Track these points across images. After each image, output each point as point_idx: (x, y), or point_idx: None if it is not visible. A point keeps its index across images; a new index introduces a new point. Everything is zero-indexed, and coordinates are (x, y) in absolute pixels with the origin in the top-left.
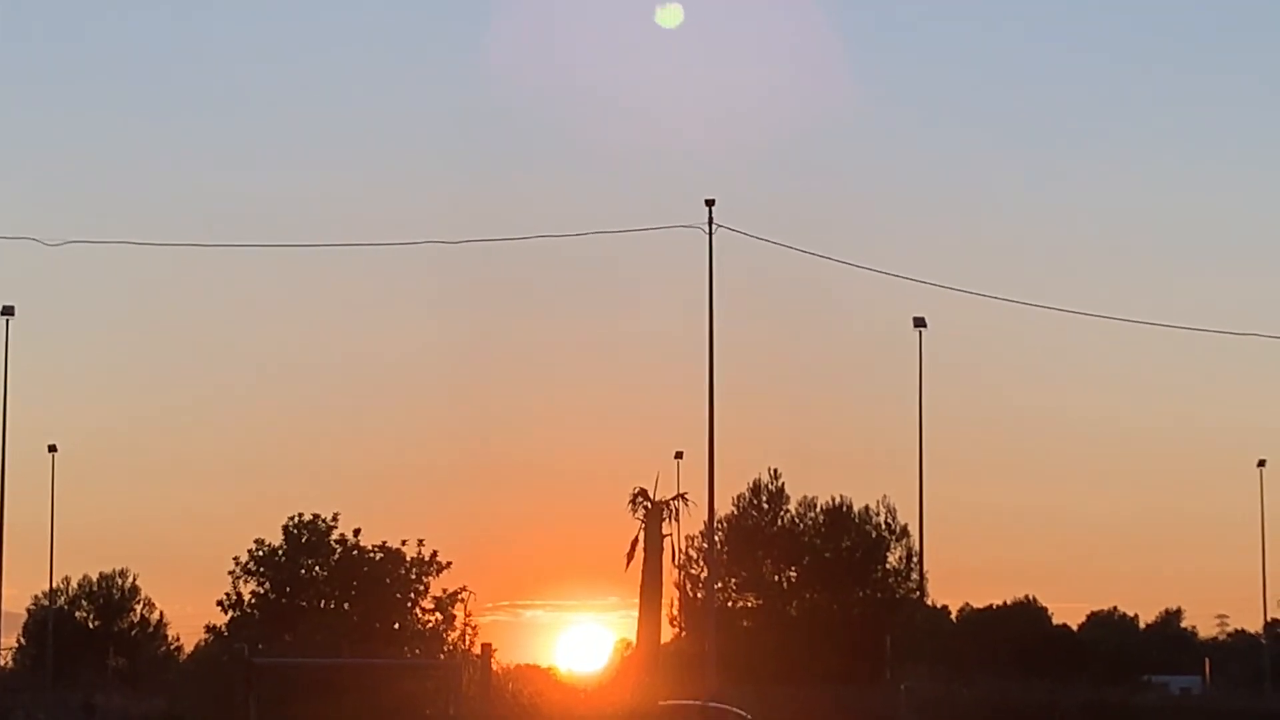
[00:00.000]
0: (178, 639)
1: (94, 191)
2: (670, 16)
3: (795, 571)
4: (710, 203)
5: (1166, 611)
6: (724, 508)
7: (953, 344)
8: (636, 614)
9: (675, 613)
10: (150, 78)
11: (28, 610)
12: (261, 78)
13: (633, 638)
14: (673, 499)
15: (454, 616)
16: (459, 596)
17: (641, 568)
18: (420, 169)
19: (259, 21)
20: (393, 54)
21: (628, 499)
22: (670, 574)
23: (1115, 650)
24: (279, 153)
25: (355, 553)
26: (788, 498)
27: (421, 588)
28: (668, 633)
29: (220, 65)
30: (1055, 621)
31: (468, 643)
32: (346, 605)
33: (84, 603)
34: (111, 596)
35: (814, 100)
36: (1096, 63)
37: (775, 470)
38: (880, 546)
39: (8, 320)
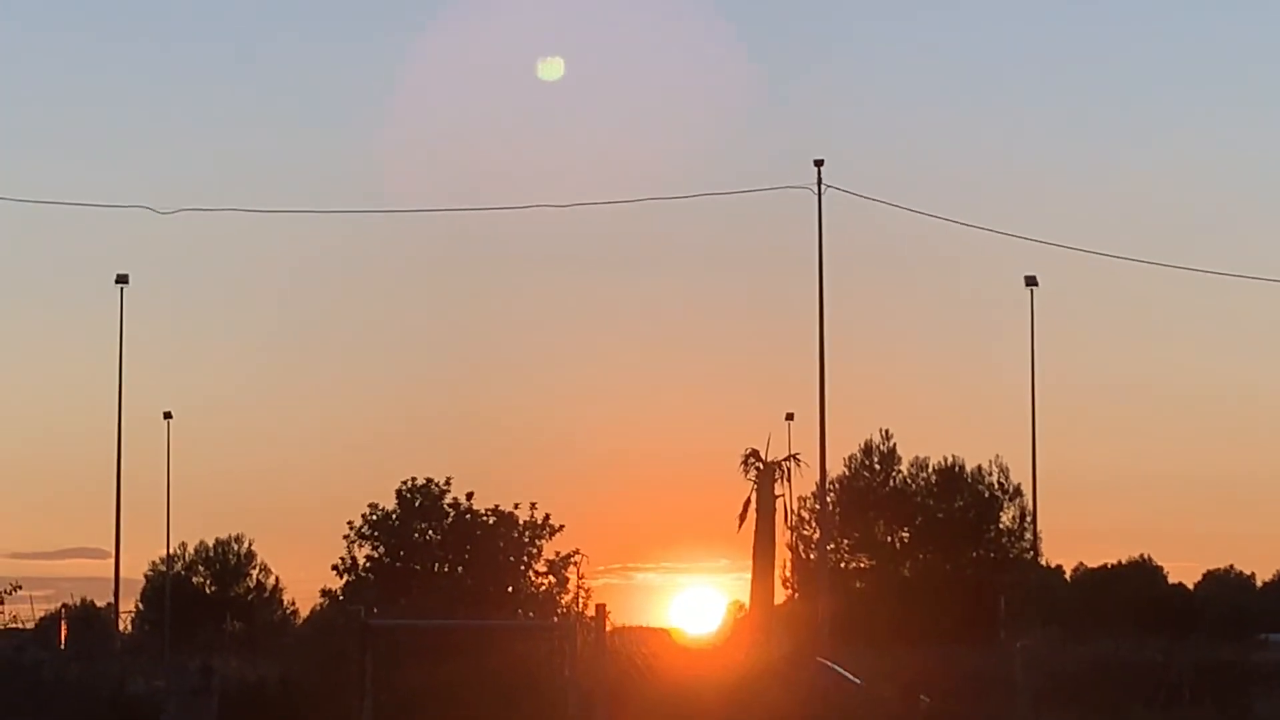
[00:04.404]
0: (293, 603)
1: (206, 159)
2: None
3: (908, 532)
4: (819, 163)
5: None
6: (835, 469)
7: (1065, 303)
8: (749, 576)
9: (788, 574)
10: (262, 44)
11: (145, 576)
12: (357, 44)
13: (745, 600)
14: (784, 460)
15: (567, 579)
16: (572, 559)
17: (754, 529)
18: (518, 132)
19: None
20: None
21: (739, 461)
22: (783, 535)
23: (1231, 609)
24: (384, 117)
25: (468, 516)
26: (899, 458)
27: (534, 551)
28: (780, 594)
29: (324, 31)
30: (1170, 580)
31: (581, 605)
32: (460, 569)
33: (200, 568)
34: (227, 562)
35: (926, 58)
36: (1211, 14)
37: (887, 431)
38: (993, 506)
39: (122, 288)
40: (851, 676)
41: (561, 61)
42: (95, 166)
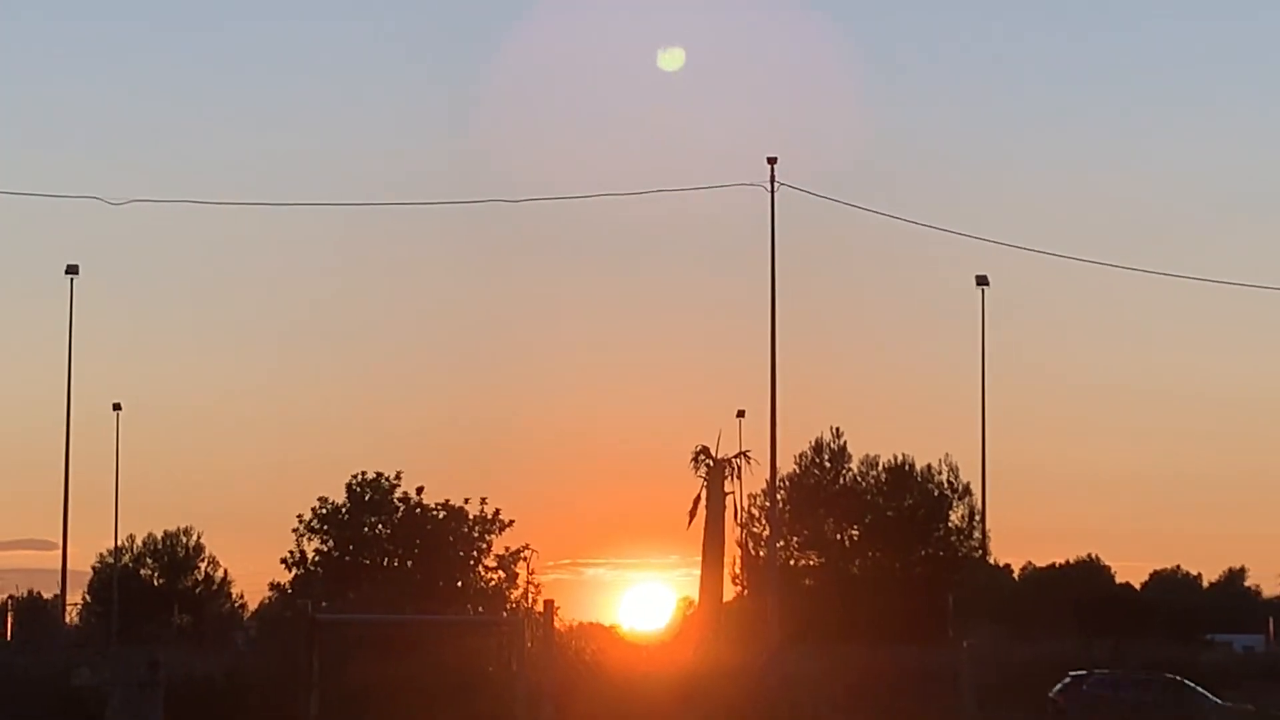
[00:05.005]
0: (242, 597)
1: (156, 151)
2: (672, 60)
3: (857, 530)
4: (772, 161)
5: (1230, 570)
6: (786, 466)
7: (1015, 302)
8: (698, 572)
9: (737, 571)
10: (211, 35)
11: (93, 568)
12: (320, 34)
13: (695, 596)
14: (735, 457)
15: (516, 574)
16: (521, 554)
17: (703, 526)
18: (478, 128)
19: None
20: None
21: (689, 457)
22: (732, 532)
23: (1178, 609)
24: (341, 111)
25: (418, 511)
26: (849, 456)
27: (484, 546)
28: (730, 591)
29: (277, 24)
30: (1118, 580)
31: (530, 600)
32: (410, 563)
33: (149, 560)
34: (176, 554)
35: (875, 58)
36: (1161, 17)
37: (837, 429)
38: (942, 505)
39: (72, 279)
40: (1212, 696)
41: (682, 52)
42: (45, 156)
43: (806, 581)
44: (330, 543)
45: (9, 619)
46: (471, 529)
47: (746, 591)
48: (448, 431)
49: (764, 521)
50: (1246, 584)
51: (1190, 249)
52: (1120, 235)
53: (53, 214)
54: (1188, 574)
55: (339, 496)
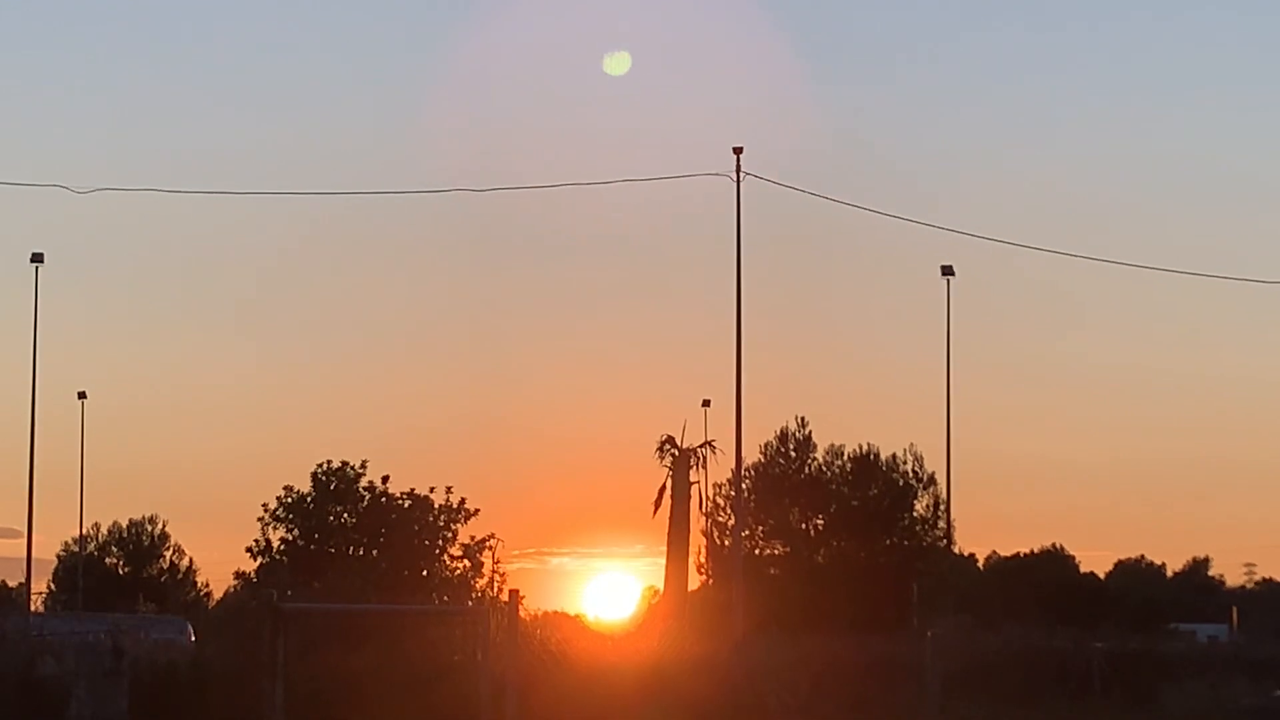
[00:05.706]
0: (207, 585)
1: (122, 139)
2: (618, 64)
3: (822, 519)
4: (738, 150)
5: (1194, 560)
6: (751, 455)
7: (981, 292)
8: (664, 562)
9: (703, 560)
10: (179, 23)
11: (58, 556)
12: (287, 22)
13: (660, 585)
14: (700, 446)
15: (482, 563)
16: (487, 544)
17: (669, 515)
18: (444, 117)
19: None
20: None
21: (655, 447)
22: (697, 522)
23: (1142, 598)
24: (307, 99)
25: (384, 500)
26: (815, 445)
27: (450, 535)
28: (695, 580)
29: (244, 12)
30: (1082, 570)
31: (495, 590)
32: (375, 552)
33: (114, 549)
34: (141, 543)
35: (844, 48)
36: (1124, 4)
37: (803, 418)
38: (907, 495)
39: (37, 267)
40: None
41: (628, 55)
42: (11, 145)
43: (771, 571)
44: (295, 532)
45: None
46: (437, 518)
47: (712, 581)
48: (413, 421)
49: (729, 511)
50: (1210, 574)
51: (1155, 240)
52: (1086, 226)
53: (18, 202)
54: (1152, 564)
55: (304, 485)
